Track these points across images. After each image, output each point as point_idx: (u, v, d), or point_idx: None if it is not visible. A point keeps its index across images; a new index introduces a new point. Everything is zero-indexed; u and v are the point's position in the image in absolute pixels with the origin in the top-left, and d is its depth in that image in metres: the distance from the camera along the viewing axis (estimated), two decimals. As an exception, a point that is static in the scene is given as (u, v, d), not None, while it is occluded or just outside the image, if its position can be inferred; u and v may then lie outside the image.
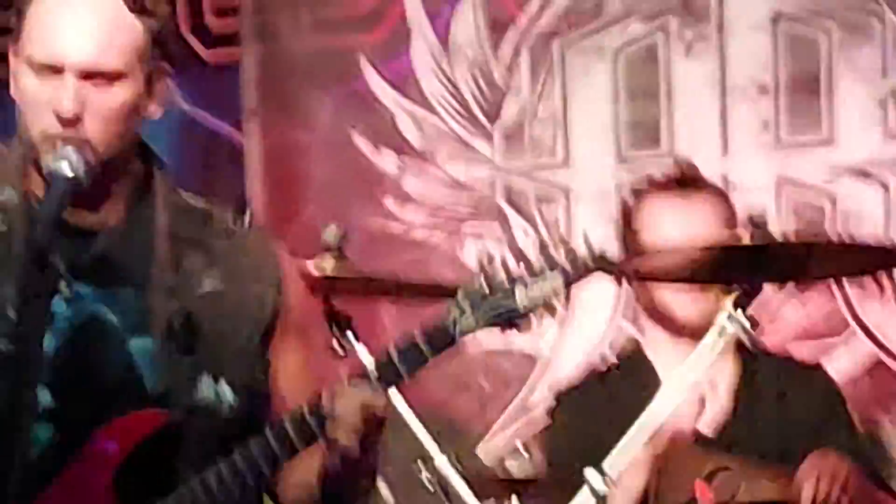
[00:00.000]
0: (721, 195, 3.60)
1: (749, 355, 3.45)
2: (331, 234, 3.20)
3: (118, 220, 2.47)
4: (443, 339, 2.35)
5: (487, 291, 2.33)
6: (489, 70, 4.66)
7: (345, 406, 2.30)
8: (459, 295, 2.34)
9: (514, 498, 3.34)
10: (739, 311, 3.07)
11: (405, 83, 4.68)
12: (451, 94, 4.67)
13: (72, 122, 2.31)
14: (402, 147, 4.68)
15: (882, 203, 4.36)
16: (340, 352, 3.15)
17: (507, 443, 4.39)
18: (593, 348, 4.44)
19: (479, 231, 4.61)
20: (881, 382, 4.37)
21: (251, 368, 2.51)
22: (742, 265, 3.11)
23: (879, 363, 4.37)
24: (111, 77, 2.34)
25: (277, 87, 4.75)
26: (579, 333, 4.50)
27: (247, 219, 2.56)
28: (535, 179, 4.61)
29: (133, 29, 2.35)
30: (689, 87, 4.51)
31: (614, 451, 3.02)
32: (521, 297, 2.32)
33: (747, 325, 3.08)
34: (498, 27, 4.64)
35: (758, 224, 3.07)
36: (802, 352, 4.25)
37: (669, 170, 3.60)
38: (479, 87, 4.67)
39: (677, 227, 3.40)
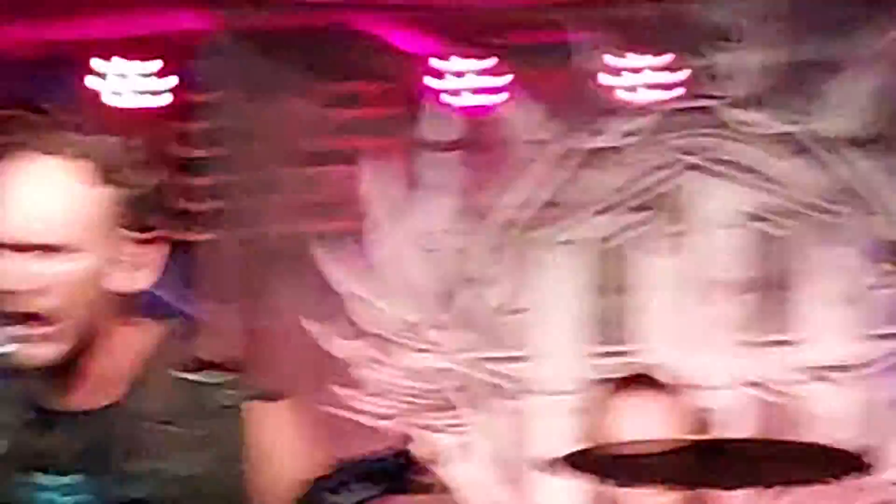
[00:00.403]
0: (678, 395, 3.51)
1: None
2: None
3: (98, 404, 2.32)
4: None
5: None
6: (449, 261, 4.57)
7: None
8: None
9: None
10: None
11: (362, 272, 4.59)
12: (409, 284, 4.57)
13: (22, 300, 2.21)
14: (356, 334, 4.55)
15: (848, 406, 4.25)
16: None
17: None
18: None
19: (433, 423, 4.46)
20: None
21: None
22: (688, 467, 2.97)
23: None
24: (64, 251, 2.25)
25: (238, 271, 4.64)
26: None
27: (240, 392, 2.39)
28: (493, 373, 4.47)
29: (96, 201, 2.26)
30: (651, 283, 4.43)
31: None
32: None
33: None
34: (462, 218, 4.58)
35: (705, 424, 3.03)
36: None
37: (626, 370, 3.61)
38: (438, 278, 4.57)
39: (638, 428, 3.32)
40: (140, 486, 2.27)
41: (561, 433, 3.96)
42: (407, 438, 2.34)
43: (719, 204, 4.43)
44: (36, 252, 2.21)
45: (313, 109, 4.64)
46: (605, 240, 4.49)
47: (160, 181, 2.34)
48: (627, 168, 4.50)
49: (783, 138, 4.43)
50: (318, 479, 2.21)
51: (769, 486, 3.51)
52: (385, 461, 2.31)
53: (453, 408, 4.46)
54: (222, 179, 4.68)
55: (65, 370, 2.26)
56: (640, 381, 3.49)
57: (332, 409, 4.46)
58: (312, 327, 4.54)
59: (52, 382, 2.26)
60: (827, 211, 4.40)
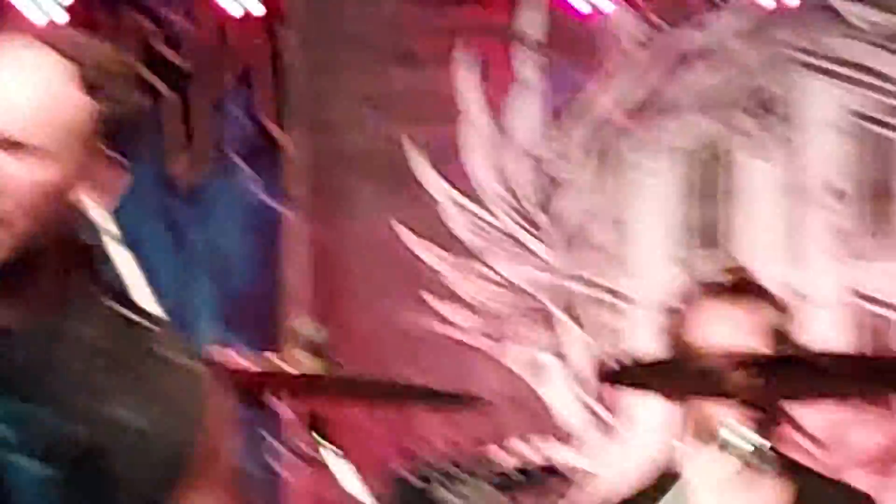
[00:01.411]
0: (776, 304, 3.40)
1: (799, 478, 3.30)
2: (303, 326, 2.98)
3: (34, 322, 2.21)
4: None
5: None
6: (545, 162, 4.44)
7: None
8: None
9: None
10: (741, 426, 2.89)
11: (457, 176, 4.48)
12: (506, 190, 4.46)
13: None
14: (450, 244, 4.46)
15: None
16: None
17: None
18: (640, 467, 4.19)
19: (527, 336, 4.36)
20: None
21: None
22: (759, 379, 2.90)
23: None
24: (31, 152, 2.10)
25: (326, 176, 4.57)
26: (627, 449, 4.23)
27: (193, 346, 2.31)
28: (590, 283, 4.35)
29: (75, 107, 2.13)
30: (756, 188, 4.24)
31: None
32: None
33: (754, 441, 2.90)
34: (557, 121, 4.42)
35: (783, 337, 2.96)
36: (862, 482, 3.97)
37: (722, 276, 3.42)
38: (533, 180, 4.45)
39: (725, 336, 3.21)
40: (74, 423, 2.15)
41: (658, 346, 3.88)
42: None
43: (829, 104, 4.22)
44: (1, 145, 2.09)
45: (410, 9, 4.53)
46: (706, 143, 4.32)
47: (143, 105, 2.19)
48: (733, 67, 4.31)
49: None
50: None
51: (843, 399, 3.44)
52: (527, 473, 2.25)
53: (548, 319, 4.36)
54: (316, 84, 4.60)
55: (2, 280, 2.15)
56: (737, 288, 3.37)
57: (423, 321, 4.42)
58: (405, 234, 4.48)
59: None
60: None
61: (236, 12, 4.58)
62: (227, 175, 4.70)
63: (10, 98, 2.09)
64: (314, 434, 2.98)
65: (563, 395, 4.30)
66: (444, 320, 4.43)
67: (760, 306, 3.34)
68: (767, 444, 2.90)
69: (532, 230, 4.44)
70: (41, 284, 2.19)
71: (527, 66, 4.45)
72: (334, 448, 2.92)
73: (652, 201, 4.34)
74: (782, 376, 2.90)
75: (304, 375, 3.02)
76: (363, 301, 4.47)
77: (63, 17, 4.46)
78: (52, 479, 2.15)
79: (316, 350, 3.04)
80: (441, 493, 2.15)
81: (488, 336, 4.39)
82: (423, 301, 4.43)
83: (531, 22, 4.45)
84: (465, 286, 4.44)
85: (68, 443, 2.16)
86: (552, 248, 4.42)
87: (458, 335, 4.40)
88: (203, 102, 4.68)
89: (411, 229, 4.48)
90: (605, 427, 4.32)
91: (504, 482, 2.22)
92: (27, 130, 2.07)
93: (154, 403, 2.20)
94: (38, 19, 4.42)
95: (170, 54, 4.69)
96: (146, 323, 2.26)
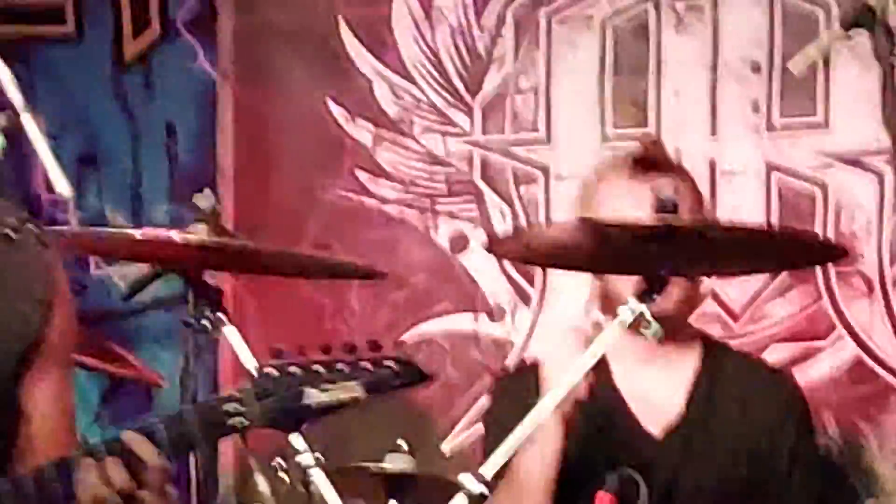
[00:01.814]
0: (687, 178, 3.38)
1: (713, 354, 3.34)
2: (202, 199, 3.02)
3: None
4: (216, 430, 2.12)
5: (271, 388, 2.11)
6: (472, 38, 4.47)
7: (84, 480, 2.02)
8: (238, 390, 2.11)
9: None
10: (637, 301, 2.85)
11: (383, 49, 4.51)
12: (431, 63, 4.49)
13: None
14: (377, 118, 4.50)
15: (875, 194, 4.11)
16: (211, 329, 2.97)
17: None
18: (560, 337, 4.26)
19: (454, 209, 4.43)
20: (863, 387, 4.13)
21: None
22: (647, 252, 2.89)
23: (863, 366, 4.13)
24: None
25: (252, 52, 4.60)
26: (551, 321, 4.30)
27: (29, 225, 2.25)
28: (515, 156, 4.40)
29: None
30: (678, 62, 4.28)
31: (493, 455, 2.84)
32: (313, 397, 2.12)
33: (648, 316, 2.86)
34: None
35: (666, 207, 2.87)
36: (783, 355, 4.12)
37: (635, 149, 3.39)
38: (460, 57, 4.49)
39: (632, 210, 3.17)
40: None
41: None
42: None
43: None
44: None
45: None
46: (627, 16, 4.36)
47: None
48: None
49: None
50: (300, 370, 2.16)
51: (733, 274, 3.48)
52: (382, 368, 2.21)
53: (474, 193, 4.42)
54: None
55: None
56: (646, 161, 3.35)
57: (353, 195, 4.48)
58: (335, 110, 4.52)
59: None
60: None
61: None
62: (173, 45, 4.74)
63: None
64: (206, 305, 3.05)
65: (486, 268, 4.38)
66: (371, 194, 4.50)
67: (667, 179, 3.28)
68: (646, 310, 2.85)
69: (459, 105, 4.49)
70: None
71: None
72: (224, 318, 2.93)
73: (576, 75, 4.38)
74: (682, 247, 2.87)
75: (195, 247, 2.98)
76: (291, 175, 4.53)
77: None
78: None
79: (214, 222, 3.08)
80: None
81: (415, 209, 4.45)
82: (351, 175, 4.50)
83: None
84: (393, 160, 4.51)
85: None
86: (478, 121, 4.49)
87: (384, 208, 4.47)
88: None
89: (341, 105, 4.53)
90: (527, 299, 4.40)
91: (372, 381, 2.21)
92: None
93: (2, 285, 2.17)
94: None
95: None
96: None
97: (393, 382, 2.14)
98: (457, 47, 4.49)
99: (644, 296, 2.88)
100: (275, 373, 2.09)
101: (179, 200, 4.48)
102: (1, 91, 2.39)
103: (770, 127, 4.24)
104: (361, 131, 4.50)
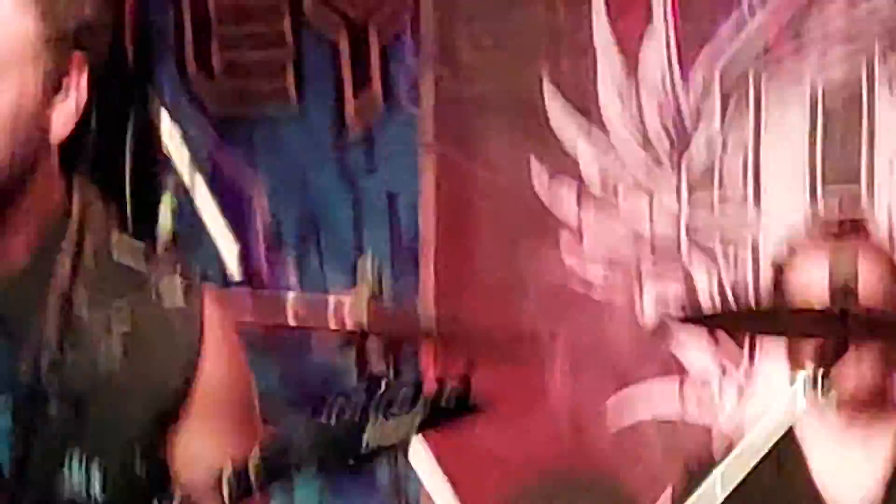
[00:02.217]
0: (881, 249, 3.45)
1: None
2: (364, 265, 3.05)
3: (19, 261, 2.11)
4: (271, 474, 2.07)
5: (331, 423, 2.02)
6: (677, 97, 4.44)
7: None
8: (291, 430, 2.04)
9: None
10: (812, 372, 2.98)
11: (587, 110, 4.50)
12: (635, 123, 4.47)
13: None
14: (579, 180, 4.50)
15: None
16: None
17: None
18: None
19: (659, 271, 4.38)
20: None
21: (133, 456, 2.18)
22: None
23: None
24: None
25: (454, 119, 4.66)
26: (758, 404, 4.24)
27: (183, 283, 2.20)
28: (721, 218, 4.34)
29: (23, 19, 2.01)
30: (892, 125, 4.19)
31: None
32: (368, 436, 2.03)
33: (821, 387, 2.98)
34: (689, 53, 4.41)
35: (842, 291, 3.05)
36: None
37: (829, 218, 3.47)
38: (664, 115, 4.47)
39: (821, 281, 3.22)
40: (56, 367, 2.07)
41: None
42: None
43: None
44: None
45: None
46: (845, 81, 4.27)
47: (97, 19, 2.08)
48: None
49: None
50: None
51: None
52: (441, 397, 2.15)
53: (678, 256, 4.38)
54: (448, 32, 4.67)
55: None
56: (839, 230, 3.39)
57: (552, 272, 4.48)
58: (539, 173, 4.51)
59: None
60: None
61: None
62: (395, 119, 4.81)
63: None
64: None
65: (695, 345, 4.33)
66: (572, 273, 4.50)
67: (867, 249, 3.34)
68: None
69: (663, 165, 4.47)
70: (25, 222, 2.08)
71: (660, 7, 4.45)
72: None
73: (784, 140, 4.32)
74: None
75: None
76: (493, 244, 4.55)
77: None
78: (18, 428, 2.10)
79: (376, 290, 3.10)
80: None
81: (617, 287, 4.43)
82: (554, 240, 4.50)
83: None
84: (597, 224, 4.50)
85: (39, 389, 2.10)
86: (683, 183, 4.45)
87: (585, 288, 4.45)
88: (373, 49, 4.79)
89: (543, 167, 4.53)
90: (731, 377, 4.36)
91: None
92: None
93: (145, 342, 2.13)
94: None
95: (342, 4, 4.84)
96: (137, 266, 2.15)
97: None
98: (661, 106, 4.45)
99: (821, 361, 2.96)
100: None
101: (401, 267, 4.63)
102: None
103: None
104: (564, 195, 4.50)
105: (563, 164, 4.50)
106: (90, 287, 2.14)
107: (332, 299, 3.04)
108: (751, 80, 4.34)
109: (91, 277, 2.13)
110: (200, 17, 4.93)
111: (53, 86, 2.01)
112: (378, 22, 4.76)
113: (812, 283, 3.25)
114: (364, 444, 1.97)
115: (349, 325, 3.04)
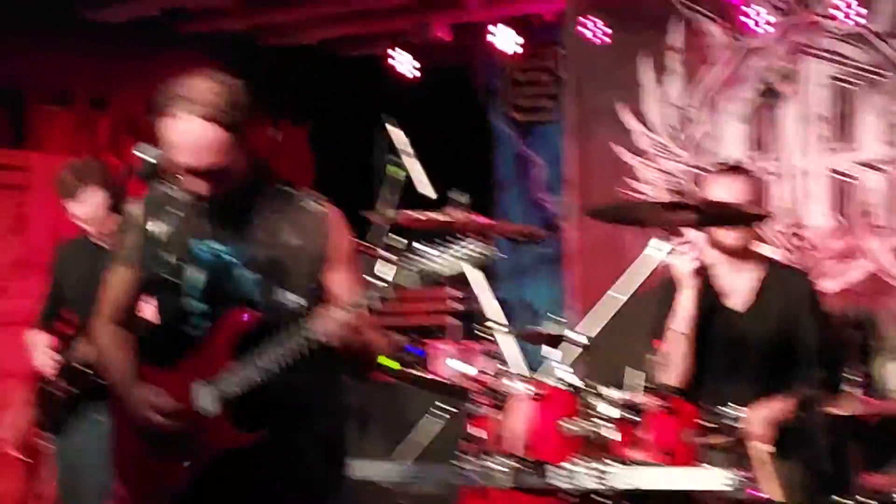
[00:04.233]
0: (753, 180, 5.18)
1: (770, 265, 5.24)
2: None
3: (240, 204, 3.74)
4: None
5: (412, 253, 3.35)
6: (684, 110, 8.14)
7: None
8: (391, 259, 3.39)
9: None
10: (663, 242, 4.81)
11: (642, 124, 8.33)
12: (666, 125, 8.23)
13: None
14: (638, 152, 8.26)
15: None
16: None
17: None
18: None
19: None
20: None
21: (311, 285, 3.69)
22: (673, 214, 4.66)
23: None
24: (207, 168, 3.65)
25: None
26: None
27: (316, 201, 3.76)
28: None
29: (218, 134, 3.63)
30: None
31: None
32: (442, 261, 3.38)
33: (667, 251, 4.90)
34: (691, 88, 8.13)
35: (679, 192, 5.31)
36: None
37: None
38: (678, 120, 8.16)
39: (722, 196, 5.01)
40: (266, 248, 3.77)
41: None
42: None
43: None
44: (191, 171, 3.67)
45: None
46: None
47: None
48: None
49: None
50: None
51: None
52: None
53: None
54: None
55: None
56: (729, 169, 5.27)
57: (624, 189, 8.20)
58: (618, 150, 8.33)
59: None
60: None
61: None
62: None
63: (189, 146, 3.63)
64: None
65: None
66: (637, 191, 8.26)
67: (743, 180, 5.10)
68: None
69: (678, 143, 8.11)
70: (237, 188, 3.72)
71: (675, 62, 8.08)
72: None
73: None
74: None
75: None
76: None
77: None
78: (257, 280, 3.72)
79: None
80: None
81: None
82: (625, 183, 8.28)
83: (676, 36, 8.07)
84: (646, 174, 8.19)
85: (260, 258, 3.74)
86: (685, 151, 8.04)
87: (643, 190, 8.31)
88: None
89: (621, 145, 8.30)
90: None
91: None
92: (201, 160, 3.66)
93: (304, 232, 3.74)
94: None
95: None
96: (294, 194, 3.80)
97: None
98: (677, 113, 8.26)
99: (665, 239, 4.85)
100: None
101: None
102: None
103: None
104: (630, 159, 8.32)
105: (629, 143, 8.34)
106: (274, 205, 3.79)
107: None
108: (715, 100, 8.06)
109: (275, 200, 3.78)
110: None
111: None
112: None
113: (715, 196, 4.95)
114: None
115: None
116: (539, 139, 9.32)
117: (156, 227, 3.80)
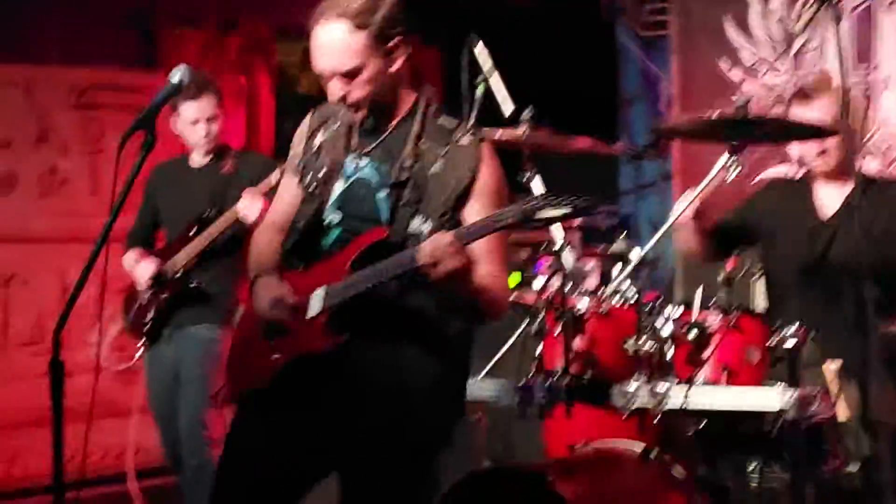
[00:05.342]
0: (838, 96, 4.96)
1: (864, 179, 5.06)
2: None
3: (394, 127, 3.86)
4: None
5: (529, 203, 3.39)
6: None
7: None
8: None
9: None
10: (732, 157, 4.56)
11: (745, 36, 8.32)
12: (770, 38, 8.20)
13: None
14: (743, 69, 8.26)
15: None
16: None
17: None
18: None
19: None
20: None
21: (444, 215, 3.75)
22: (734, 131, 4.59)
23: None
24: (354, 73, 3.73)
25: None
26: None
27: (473, 135, 3.82)
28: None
29: (360, 43, 3.74)
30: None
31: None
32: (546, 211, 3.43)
33: (735, 164, 4.60)
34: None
35: (743, 107, 4.51)
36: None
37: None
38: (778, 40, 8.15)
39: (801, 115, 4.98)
40: (404, 171, 3.89)
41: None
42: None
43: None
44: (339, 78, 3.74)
45: None
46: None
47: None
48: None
49: None
50: None
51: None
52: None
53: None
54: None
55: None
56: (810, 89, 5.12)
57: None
58: (725, 67, 8.31)
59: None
60: None
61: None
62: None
63: (335, 51, 3.74)
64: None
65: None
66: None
67: (827, 98, 5.01)
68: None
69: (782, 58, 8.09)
70: (395, 112, 3.90)
71: None
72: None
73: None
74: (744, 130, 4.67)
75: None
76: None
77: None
78: (392, 201, 3.83)
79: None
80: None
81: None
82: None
83: None
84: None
85: (405, 185, 3.83)
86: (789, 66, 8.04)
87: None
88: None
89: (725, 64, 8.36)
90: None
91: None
92: (346, 63, 3.76)
93: (451, 162, 3.80)
94: None
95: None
96: (448, 125, 3.87)
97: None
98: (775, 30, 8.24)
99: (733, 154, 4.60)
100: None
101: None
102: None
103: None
104: (733, 76, 8.32)
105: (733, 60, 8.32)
106: (428, 134, 3.87)
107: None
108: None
109: (430, 130, 3.87)
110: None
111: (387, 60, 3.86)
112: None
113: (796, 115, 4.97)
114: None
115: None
116: (663, 54, 9.26)
117: (318, 138, 3.99)
